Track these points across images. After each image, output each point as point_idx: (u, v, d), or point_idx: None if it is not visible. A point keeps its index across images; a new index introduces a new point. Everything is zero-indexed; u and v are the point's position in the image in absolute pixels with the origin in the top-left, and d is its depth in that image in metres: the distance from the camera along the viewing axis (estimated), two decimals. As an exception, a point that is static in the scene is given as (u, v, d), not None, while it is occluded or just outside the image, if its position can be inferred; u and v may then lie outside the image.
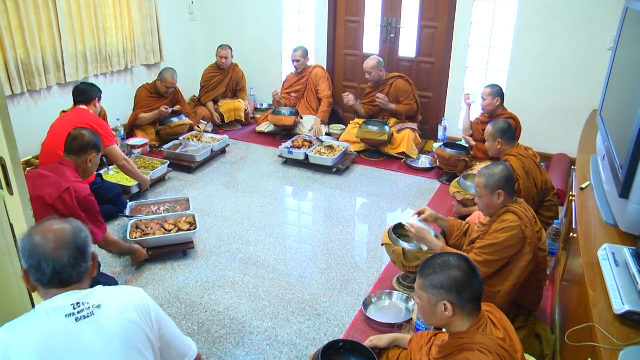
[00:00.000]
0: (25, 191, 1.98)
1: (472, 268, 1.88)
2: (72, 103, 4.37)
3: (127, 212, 4.03)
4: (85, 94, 4.29)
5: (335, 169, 5.10)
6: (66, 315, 1.56)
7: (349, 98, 5.65)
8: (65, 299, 1.59)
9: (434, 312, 1.89)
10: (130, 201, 4.23)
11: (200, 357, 1.99)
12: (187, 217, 3.88)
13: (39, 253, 1.59)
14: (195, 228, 3.74)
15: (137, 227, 3.74)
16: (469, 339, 1.82)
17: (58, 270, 1.59)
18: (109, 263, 3.62)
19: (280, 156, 5.35)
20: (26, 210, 1.98)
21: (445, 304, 1.84)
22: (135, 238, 3.58)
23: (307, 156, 5.17)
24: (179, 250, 3.71)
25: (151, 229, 3.73)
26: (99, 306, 1.61)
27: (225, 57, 6.17)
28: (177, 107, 5.82)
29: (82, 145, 3.20)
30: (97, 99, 4.36)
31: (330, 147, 5.30)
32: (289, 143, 5.41)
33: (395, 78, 5.52)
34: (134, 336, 1.62)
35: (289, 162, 5.36)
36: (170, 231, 3.71)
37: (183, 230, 3.71)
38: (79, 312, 1.57)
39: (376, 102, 5.53)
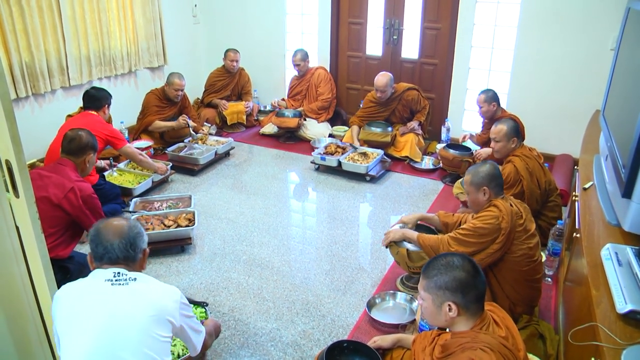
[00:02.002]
0: (30, 194, 1.99)
1: (475, 268, 1.89)
2: (80, 106, 4.41)
3: (131, 208, 4.12)
4: (95, 101, 4.37)
5: (369, 178, 4.98)
6: (105, 280, 1.90)
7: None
8: (111, 270, 1.94)
9: (439, 313, 1.90)
10: (136, 197, 4.35)
11: (207, 344, 2.34)
12: (187, 214, 3.95)
13: (99, 238, 1.98)
14: (194, 224, 3.80)
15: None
16: (471, 338, 1.82)
17: (108, 251, 1.97)
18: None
19: (312, 162, 5.29)
20: (32, 213, 1.99)
21: (450, 305, 1.85)
22: None
23: (340, 163, 5.05)
24: (177, 245, 3.79)
25: (151, 224, 3.82)
26: (134, 279, 1.93)
27: (236, 60, 6.21)
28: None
29: (81, 146, 3.27)
30: (106, 105, 4.44)
31: (364, 154, 5.20)
32: (321, 149, 5.32)
33: (403, 92, 5.37)
34: (161, 318, 1.89)
35: (292, 161, 5.37)
36: (169, 227, 3.79)
37: (182, 226, 3.79)
38: (116, 280, 1.91)
39: (375, 116, 5.51)
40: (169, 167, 4.82)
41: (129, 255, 2.01)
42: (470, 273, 1.86)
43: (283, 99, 6.39)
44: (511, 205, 2.78)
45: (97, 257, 2.00)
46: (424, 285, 1.94)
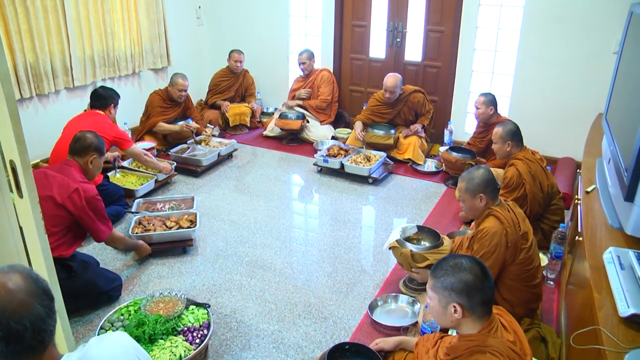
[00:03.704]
0: (34, 194, 2.00)
1: (484, 272, 1.87)
2: (85, 108, 4.44)
3: (134, 209, 4.13)
4: (101, 99, 4.41)
5: (371, 180, 4.98)
6: None
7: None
8: None
9: (444, 313, 1.89)
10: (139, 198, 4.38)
11: None
12: (189, 215, 3.96)
13: (7, 315, 1.18)
14: (196, 226, 3.82)
15: (139, 223, 3.86)
16: (480, 341, 1.82)
17: (39, 327, 1.22)
18: (111, 258, 3.67)
19: (315, 164, 5.30)
20: (35, 213, 2.00)
21: (455, 306, 1.85)
22: (136, 233, 3.70)
23: (342, 165, 5.05)
24: (179, 247, 3.80)
25: (153, 225, 3.83)
26: None
27: (240, 60, 6.23)
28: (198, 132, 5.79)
29: (84, 147, 3.30)
30: (112, 105, 4.48)
31: (367, 157, 5.18)
32: (324, 151, 5.33)
33: (409, 94, 5.38)
34: None
35: (295, 163, 5.37)
36: (171, 228, 3.81)
37: (183, 228, 3.80)
38: None
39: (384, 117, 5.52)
40: (173, 166, 4.84)
41: (55, 323, 1.30)
42: (478, 276, 1.84)
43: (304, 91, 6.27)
44: (508, 210, 2.77)
45: (21, 350, 1.23)
46: (431, 285, 1.93)
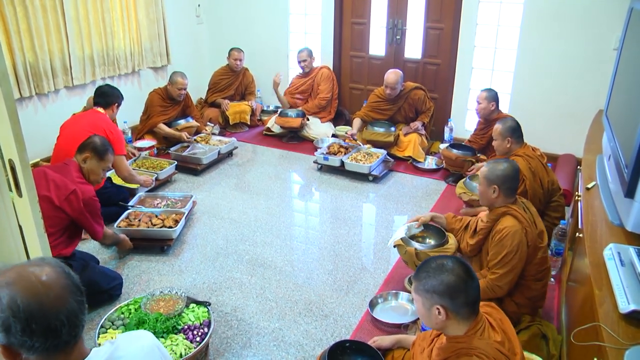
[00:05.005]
0: (34, 193, 2.00)
1: (468, 272, 1.84)
2: (84, 106, 4.41)
3: (134, 202, 4.15)
4: (106, 97, 4.33)
5: (371, 178, 4.97)
6: None
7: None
8: None
9: (429, 316, 1.87)
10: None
11: None
12: (177, 215, 3.96)
13: (45, 310, 1.19)
14: (177, 226, 3.81)
15: (127, 217, 3.88)
16: (466, 343, 1.80)
17: (74, 323, 1.24)
18: (111, 257, 3.69)
19: (315, 162, 5.28)
20: (34, 212, 2.00)
21: (438, 308, 1.82)
22: (119, 227, 3.72)
23: (343, 163, 5.04)
24: (159, 246, 3.78)
25: (139, 220, 3.84)
26: None
27: (240, 59, 6.23)
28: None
29: (84, 144, 3.33)
30: (115, 104, 4.40)
31: (368, 154, 5.17)
32: (324, 149, 5.31)
33: (410, 91, 5.37)
34: None
35: (295, 161, 5.38)
36: (155, 225, 3.81)
37: (165, 227, 3.80)
38: None
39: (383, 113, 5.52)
40: (153, 179, 4.57)
41: (85, 317, 1.30)
42: (461, 277, 1.81)
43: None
44: (525, 209, 2.75)
45: (57, 345, 1.23)
46: (414, 287, 1.91)
